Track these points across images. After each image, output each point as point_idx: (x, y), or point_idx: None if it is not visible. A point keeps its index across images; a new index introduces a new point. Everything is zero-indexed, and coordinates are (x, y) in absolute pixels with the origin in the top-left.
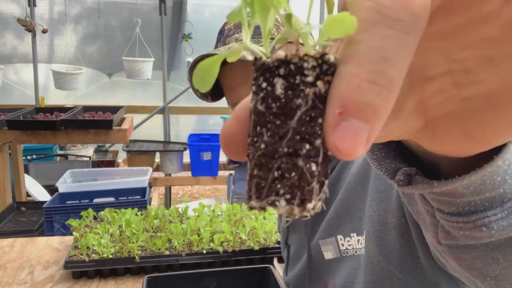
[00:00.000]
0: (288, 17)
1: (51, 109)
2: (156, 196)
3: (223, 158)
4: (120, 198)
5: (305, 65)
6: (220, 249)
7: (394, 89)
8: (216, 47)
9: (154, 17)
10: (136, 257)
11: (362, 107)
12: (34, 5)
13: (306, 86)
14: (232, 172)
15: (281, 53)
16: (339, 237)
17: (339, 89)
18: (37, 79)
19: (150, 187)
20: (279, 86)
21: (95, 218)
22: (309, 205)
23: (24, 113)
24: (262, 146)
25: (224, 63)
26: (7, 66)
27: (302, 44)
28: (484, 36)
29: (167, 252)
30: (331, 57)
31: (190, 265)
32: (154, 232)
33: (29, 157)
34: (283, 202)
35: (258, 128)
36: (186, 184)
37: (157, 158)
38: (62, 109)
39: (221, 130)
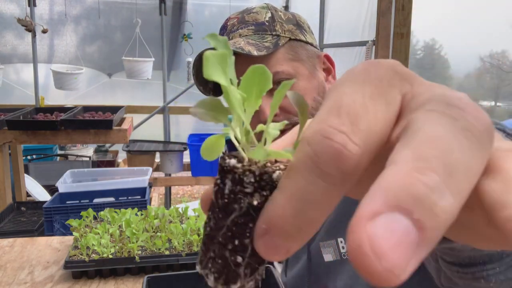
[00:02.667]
0: (247, 133)
1: (51, 109)
2: (156, 196)
3: None
4: (120, 198)
5: (245, 179)
6: None
7: (309, 231)
8: None
9: (154, 17)
10: (136, 257)
11: (282, 233)
12: (34, 5)
13: (244, 196)
14: None
15: (232, 161)
16: (339, 239)
17: (268, 212)
18: (37, 79)
19: (150, 187)
20: (227, 187)
21: (95, 218)
22: (234, 286)
23: (24, 113)
24: (208, 228)
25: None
26: (7, 66)
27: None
28: None
29: (167, 252)
30: (274, 175)
31: (190, 265)
32: (154, 232)
33: (29, 157)
34: (211, 278)
35: (210, 213)
36: (186, 184)
37: (157, 158)
38: (62, 109)
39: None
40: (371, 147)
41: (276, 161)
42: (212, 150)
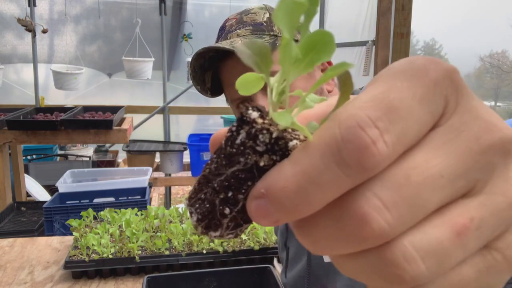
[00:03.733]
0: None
1: (51, 109)
2: (156, 196)
3: None
4: (120, 198)
5: (260, 137)
6: (220, 249)
7: (305, 211)
8: (217, 42)
9: (154, 17)
10: (136, 257)
11: (278, 204)
12: (34, 5)
13: (253, 153)
14: None
15: (254, 114)
16: None
17: (272, 178)
18: (37, 79)
19: (150, 187)
20: (240, 138)
21: (95, 218)
22: (212, 233)
23: (24, 113)
24: (207, 170)
25: (225, 59)
26: (7, 66)
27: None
28: None
29: (167, 252)
30: (291, 143)
31: (190, 265)
32: (154, 232)
33: (29, 157)
34: (194, 218)
35: (215, 156)
36: (186, 184)
37: (157, 158)
38: (62, 109)
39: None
40: (399, 151)
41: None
42: (248, 86)
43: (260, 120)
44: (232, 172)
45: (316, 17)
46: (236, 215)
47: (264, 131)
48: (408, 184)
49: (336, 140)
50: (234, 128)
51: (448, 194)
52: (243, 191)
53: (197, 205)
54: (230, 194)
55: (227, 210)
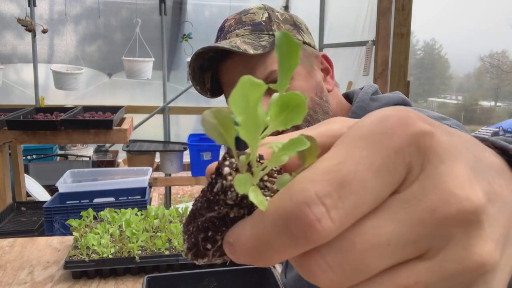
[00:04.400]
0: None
1: (51, 109)
2: (156, 196)
3: None
4: (120, 198)
5: (229, 193)
6: None
7: (267, 263)
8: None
9: (154, 17)
10: (136, 257)
11: (243, 254)
12: (34, 5)
13: (225, 205)
14: None
15: (226, 170)
16: None
17: (237, 233)
18: (37, 79)
19: (150, 187)
20: (216, 187)
21: (95, 218)
22: (200, 260)
23: (24, 113)
24: (194, 207)
25: (224, 59)
26: (7, 66)
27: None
28: None
29: (167, 252)
30: (254, 200)
31: (190, 265)
32: (154, 232)
33: (29, 157)
34: (185, 245)
35: (201, 193)
36: (186, 184)
37: (157, 158)
38: (62, 109)
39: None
40: (348, 223)
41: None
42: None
43: (229, 177)
44: (210, 216)
45: (316, 17)
46: (218, 250)
47: (232, 189)
48: (353, 250)
49: (285, 213)
50: (213, 176)
51: (396, 260)
52: (220, 233)
53: (187, 236)
54: (209, 233)
55: (209, 246)
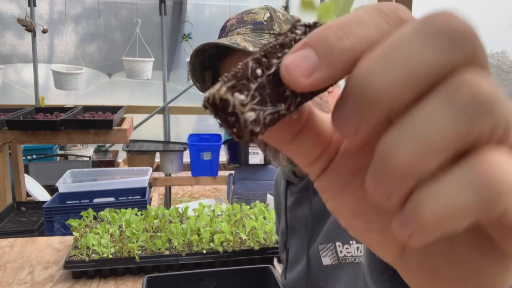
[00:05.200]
0: None
1: (51, 109)
2: (156, 196)
3: (223, 158)
4: (120, 198)
5: (298, 26)
6: (220, 249)
7: (351, 44)
8: None
9: (154, 17)
10: (136, 257)
11: (320, 43)
12: (34, 5)
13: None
14: (232, 172)
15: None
16: (337, 243)
17: (314, 31)
18: (37, 79)
19: (150, 187)
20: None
21: (95, 218)
22: (237, 95)
23: (24, 113)
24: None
25: (224, 56)
26: (7, 66)
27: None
28: None
29: (167, 252)
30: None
31: (190, 265)
32: (154, 232)
33: (29, 157)
34: (220, 83)
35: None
36: (186, 184)
37: (157, 158)
38: (62, 109)
39: None
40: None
41: None
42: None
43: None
44: (272, 44)
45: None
46: (265, 82)
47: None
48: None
49: (375, 6)
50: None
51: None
52: (279, 55)
53: (229, 75)
54: (264, 59)
55: (259, 71)
